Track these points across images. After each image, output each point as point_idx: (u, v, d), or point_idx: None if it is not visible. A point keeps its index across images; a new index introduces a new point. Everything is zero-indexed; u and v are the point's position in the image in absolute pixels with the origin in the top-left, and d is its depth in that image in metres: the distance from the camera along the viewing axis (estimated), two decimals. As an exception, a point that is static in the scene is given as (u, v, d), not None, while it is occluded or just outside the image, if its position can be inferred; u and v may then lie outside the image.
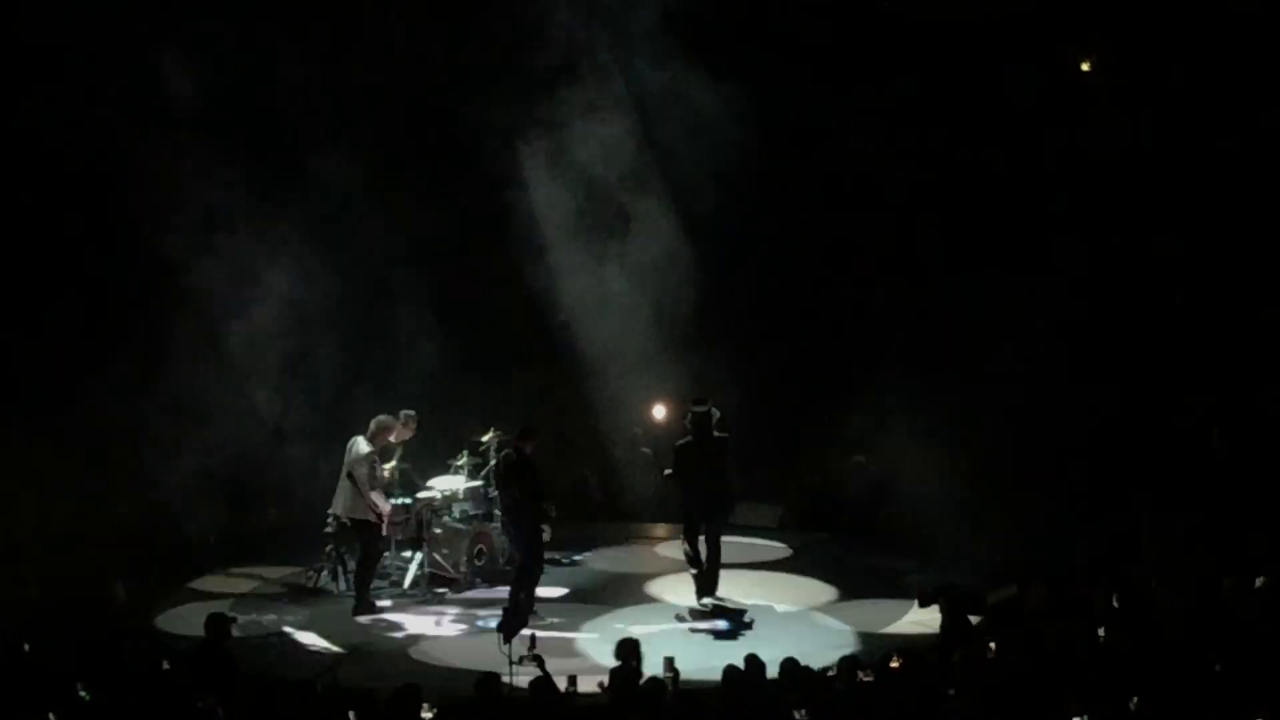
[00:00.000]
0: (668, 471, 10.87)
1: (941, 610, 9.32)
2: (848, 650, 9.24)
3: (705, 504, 10.74)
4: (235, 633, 8.94)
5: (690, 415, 10.71)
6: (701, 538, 10.70)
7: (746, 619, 10.68)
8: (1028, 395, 12.60)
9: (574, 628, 10.39)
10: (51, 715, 7.43)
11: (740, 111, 12.48)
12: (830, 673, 8.28)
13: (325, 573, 11.19)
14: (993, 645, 8.49)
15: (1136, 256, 12.96)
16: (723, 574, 10.84)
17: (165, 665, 8.38)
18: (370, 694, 7.86)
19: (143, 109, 12.02)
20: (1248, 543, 10.16)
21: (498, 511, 11.08)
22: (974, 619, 9.39)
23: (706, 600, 10.65)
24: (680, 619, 10.68)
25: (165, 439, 11.67)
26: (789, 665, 8.06)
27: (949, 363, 13.00)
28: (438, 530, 11.20)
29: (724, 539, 10.87)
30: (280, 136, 12.56)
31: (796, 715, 7.51)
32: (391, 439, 10.83)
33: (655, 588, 11.57)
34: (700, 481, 10.68)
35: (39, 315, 12.02)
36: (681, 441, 10.75)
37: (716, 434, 10.66)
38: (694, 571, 10.72)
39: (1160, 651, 8.16)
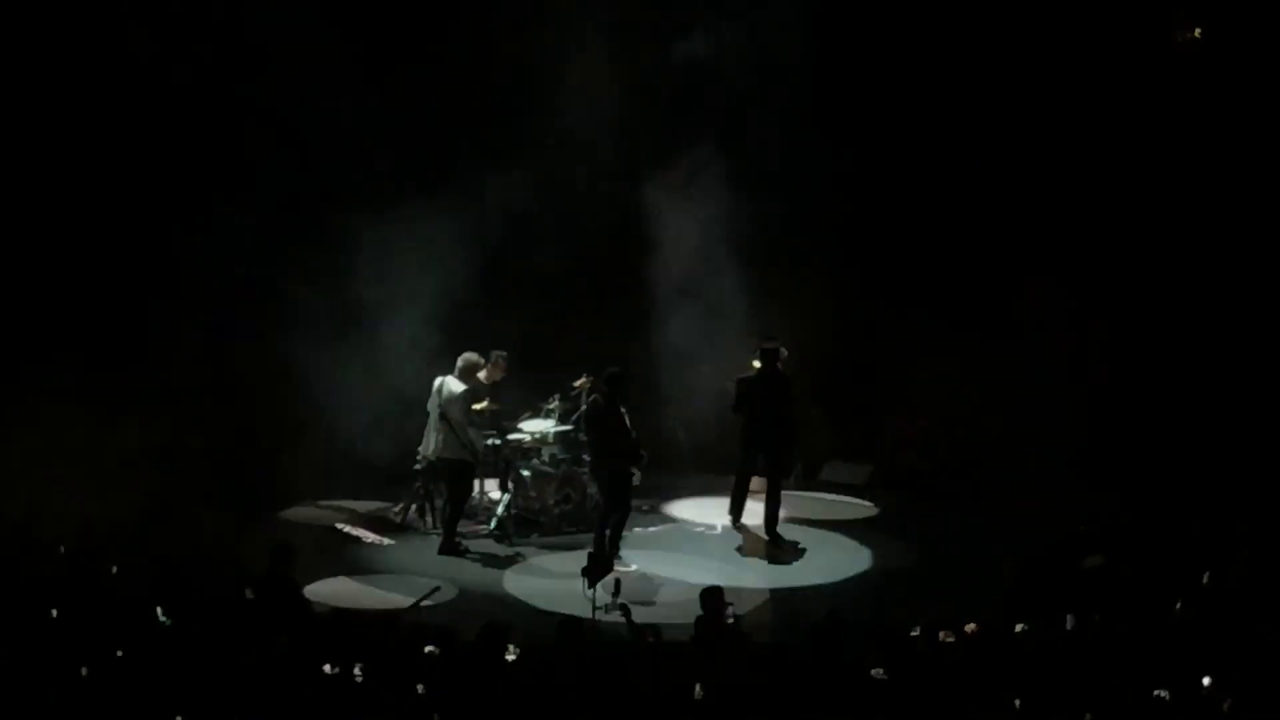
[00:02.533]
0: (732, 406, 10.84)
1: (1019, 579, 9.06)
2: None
3: (763, 437, 10.66)
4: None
5: (759, 350, 10.65)
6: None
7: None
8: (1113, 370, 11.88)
9: (656, 573, 10.00)
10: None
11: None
12: (913, 633, 7.84)
13: (414, 508, 10.82)
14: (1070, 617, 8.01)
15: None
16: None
17: (247, 594, 7.86)
18: (452, 631, 7.49)
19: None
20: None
21: (586, 456, 10.61)
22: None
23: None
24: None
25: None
26: (872, 623, 7.84)
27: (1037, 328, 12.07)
28: (526, 473, 10.81)
29: (810, 495, 10.34)
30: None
31: (875, 673, 7.10)
32: (481, 377, 10.35)
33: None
34: (760, 415, 10.58)
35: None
36: (744, 375, 10.70)
37: (780, 368, 10.58)
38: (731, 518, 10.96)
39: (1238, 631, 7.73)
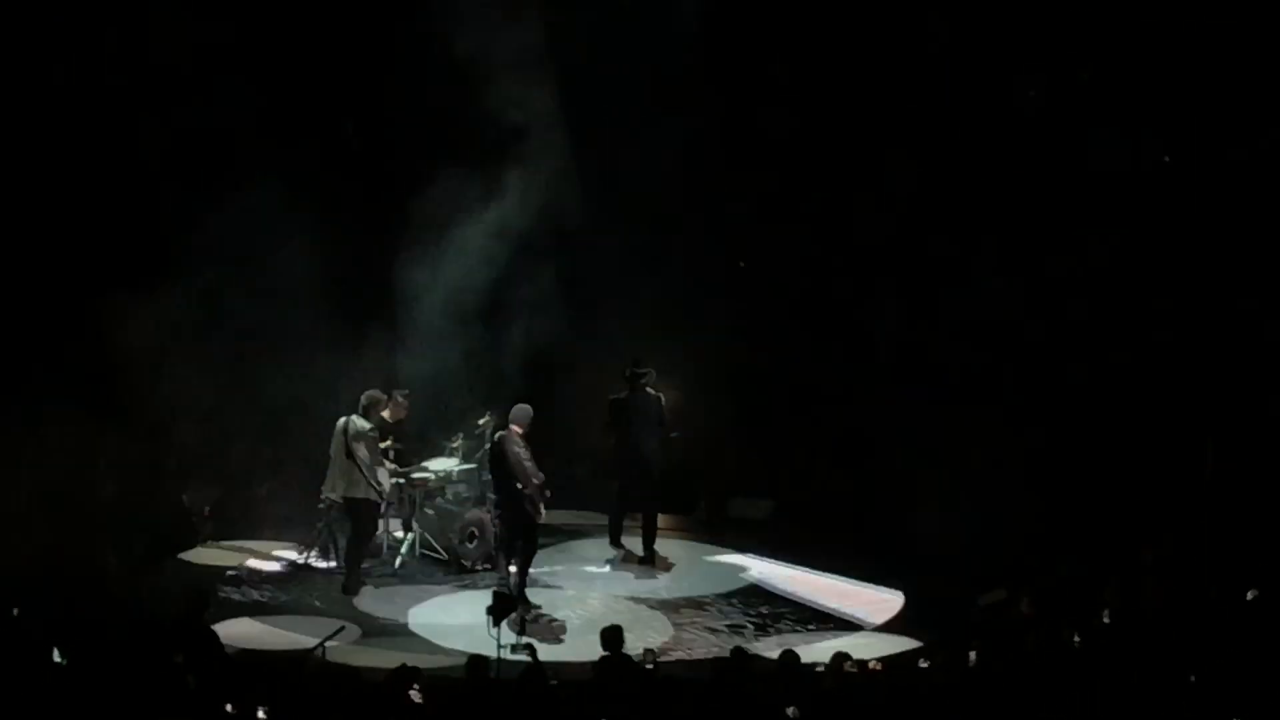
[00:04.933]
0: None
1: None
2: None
3: (632, 459, 10.76)
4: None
5: (629, 373, 10.71)
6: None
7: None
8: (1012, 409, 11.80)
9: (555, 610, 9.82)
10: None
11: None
12: (819, 669, 7.77)
13: (316, 550, 10.46)
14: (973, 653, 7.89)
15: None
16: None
17: (147, 634, 7.52)
18: (358, 674, 7.40)
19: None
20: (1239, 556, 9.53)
21: (491, 495, 10.32)
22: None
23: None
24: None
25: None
26: (786, 658, 7.70)
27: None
28: (430, 511, 10.55)
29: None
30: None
31: (789, 711, 6.92)
32: (385, 415, 10.06)
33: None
34: (632, 433, 10.78)
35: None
36: (615, 396, 10.80)
37: (651, 391, 10.73)
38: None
39: (1139, 661, 7.69)
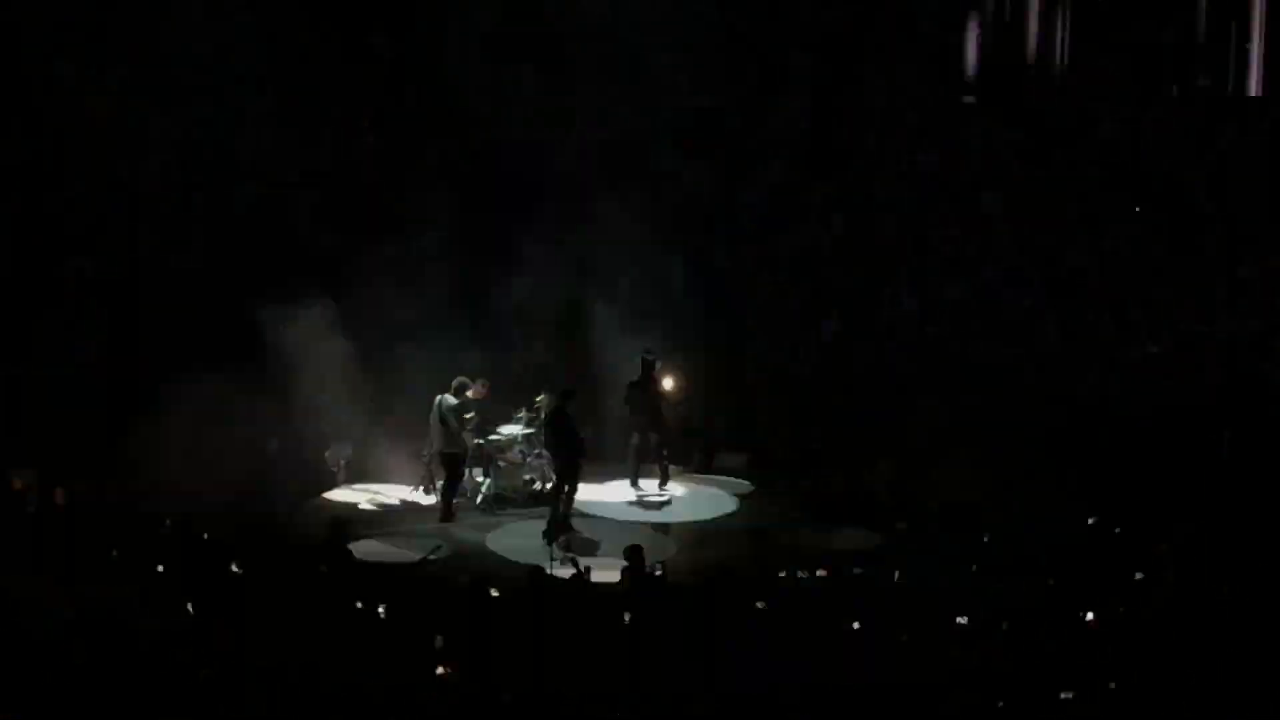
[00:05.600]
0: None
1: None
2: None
3: (640, 426, 13.77)
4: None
5: (641, 360, 13.62)
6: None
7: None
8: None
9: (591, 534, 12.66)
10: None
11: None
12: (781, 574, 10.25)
13: (421, 489, 13.52)
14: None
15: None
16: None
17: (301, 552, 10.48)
18: (449, 580, 9.99)
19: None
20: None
21: (544, 450, 13.32)
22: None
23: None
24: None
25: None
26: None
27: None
28: (502, 464, 13.62)
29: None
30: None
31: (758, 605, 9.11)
32: (470, 395, 13.04)
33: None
34: (637, 409, 13.69)
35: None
36: (633, 380, 13.64)
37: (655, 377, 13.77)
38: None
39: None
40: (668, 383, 13.76)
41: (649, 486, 13.81)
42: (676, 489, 13.91)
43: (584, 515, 12.96)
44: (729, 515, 13.37)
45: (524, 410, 13.64)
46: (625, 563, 9.89)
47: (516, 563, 11.19)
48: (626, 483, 13.89)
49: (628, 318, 14.39)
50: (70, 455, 11.94)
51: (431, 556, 10.75)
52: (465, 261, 14.73)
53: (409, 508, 13.35)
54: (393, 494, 13.64)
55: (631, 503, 13.65)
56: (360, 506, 13.32)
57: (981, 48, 15.32)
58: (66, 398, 13.26)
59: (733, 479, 14.37)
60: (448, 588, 9.58)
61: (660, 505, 13.59)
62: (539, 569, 9.66)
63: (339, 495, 13.62)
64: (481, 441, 13.31)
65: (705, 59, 14.76)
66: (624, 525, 12.80)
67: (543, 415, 13.17)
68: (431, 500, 13.25)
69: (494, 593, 9.23)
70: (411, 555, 11.34)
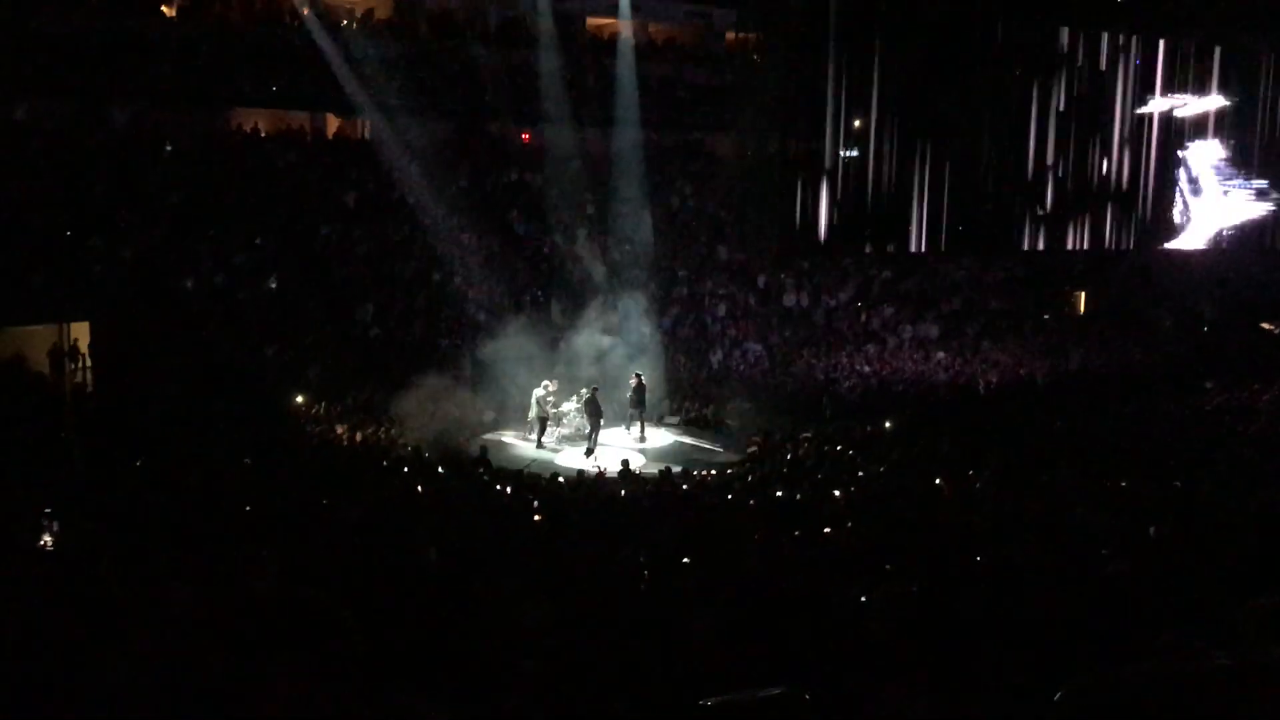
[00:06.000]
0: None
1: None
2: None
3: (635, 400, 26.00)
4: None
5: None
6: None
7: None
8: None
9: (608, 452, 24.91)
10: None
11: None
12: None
13: (532, 432, 26.02)
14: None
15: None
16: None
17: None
18: (537, 477, 21.97)
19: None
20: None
21: (588, 414, 25.90)
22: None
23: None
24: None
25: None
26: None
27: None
28: (565, 421, 25.87)
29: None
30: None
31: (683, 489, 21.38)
32: (551, 386, 25.24)
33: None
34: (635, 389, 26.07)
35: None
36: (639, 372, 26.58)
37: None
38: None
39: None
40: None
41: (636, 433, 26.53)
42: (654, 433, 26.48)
43: (602, 445, 25.61)
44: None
45: (576, 396, 26.49)
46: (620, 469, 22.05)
47: (568, 469, 23.24)
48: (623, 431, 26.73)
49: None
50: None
51: (528, 469, 22.91)
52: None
53: (521, 444, 26.05)
54: (512, 436, 26.48)
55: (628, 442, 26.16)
56: (503, 439, 26.05)
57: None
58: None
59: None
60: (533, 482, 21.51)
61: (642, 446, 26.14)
62: (582, 471, 21.98)
63: (493, 435, 26.43)
64: (554, 410, 25.91)
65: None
66: (621, 451, 24.96)
67: (588, 395, 25.95)
68: (532, 439, 26.12)
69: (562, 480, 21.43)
70: (518, 462, 23.58)
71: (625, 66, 36.72)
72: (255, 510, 13.55)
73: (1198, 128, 38.21)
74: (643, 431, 26.52)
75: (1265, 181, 39.49)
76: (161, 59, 32.18)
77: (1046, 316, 37.45)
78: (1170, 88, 37.49)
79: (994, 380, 31.09)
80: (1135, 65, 36.36)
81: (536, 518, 15.55)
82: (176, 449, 18.11)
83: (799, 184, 31.35)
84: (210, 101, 33.10)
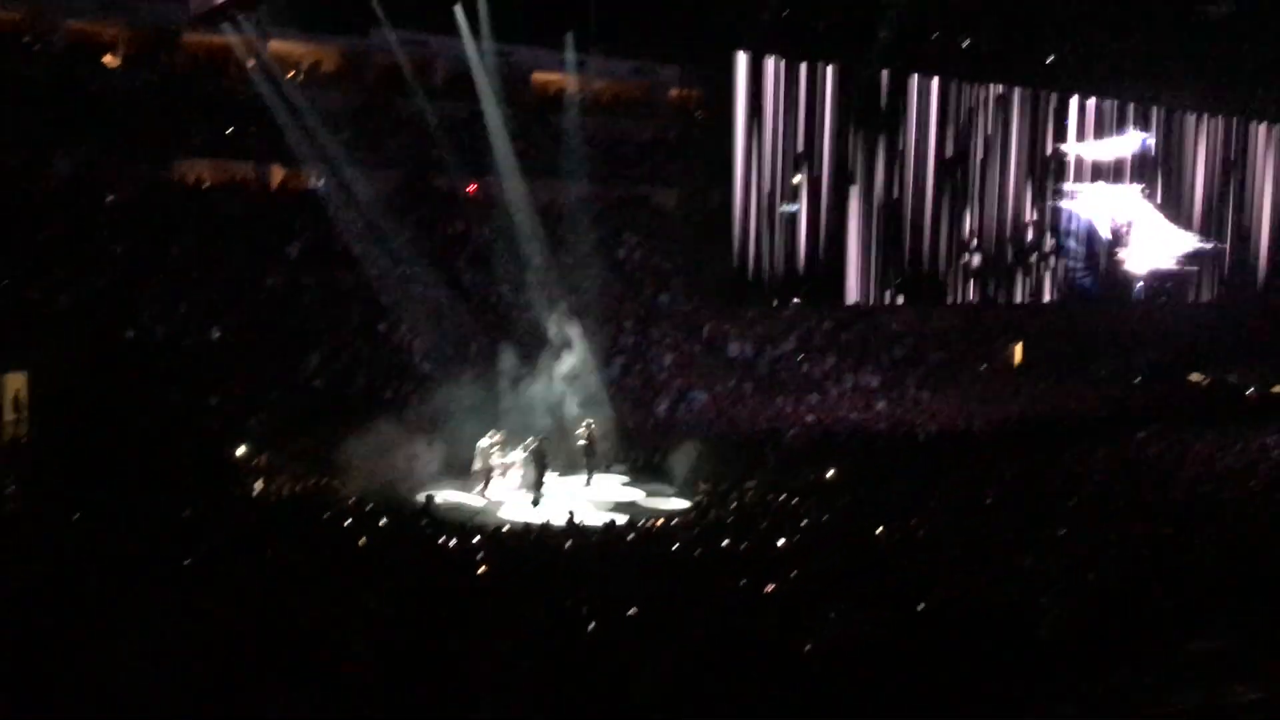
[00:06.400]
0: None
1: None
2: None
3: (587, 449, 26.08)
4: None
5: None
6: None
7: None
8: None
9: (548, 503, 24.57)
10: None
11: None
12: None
13: (478, 484, 25.82)
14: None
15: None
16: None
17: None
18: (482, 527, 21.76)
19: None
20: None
21: (535, 463, 25.65)
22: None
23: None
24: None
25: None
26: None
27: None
28: (511, 472, 25.67)
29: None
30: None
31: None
32: (498, 439, 25.07)
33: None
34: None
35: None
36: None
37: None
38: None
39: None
40: None
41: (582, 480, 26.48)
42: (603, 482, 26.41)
43: (545, 497, 25.52)
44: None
45: (522, 446, 26.35)
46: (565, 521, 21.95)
47: (516, 521, 23.16)
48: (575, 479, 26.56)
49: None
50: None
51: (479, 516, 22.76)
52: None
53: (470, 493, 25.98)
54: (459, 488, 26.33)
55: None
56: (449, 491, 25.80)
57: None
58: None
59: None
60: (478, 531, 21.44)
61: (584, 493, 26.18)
62: (527, 523, 21.81)
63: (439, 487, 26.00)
64: (501, 460, 25.70)
65: None
66: (567, 502, 24.92)
67: (534, 445, 25.86)
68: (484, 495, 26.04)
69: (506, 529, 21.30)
70: (470, 506, 23.43)
71: (571, 121, 37.04)
72: (195, 563, 13.42)
73: (1120, 177, 39.19)
74: (590, 481, 26.56)
75: (1194, 236, 40.59)
76: (105, 109, 31.96)
77: (984, 367, 38.03)
78: (1095, 139, 38.49)
79: (934, 429, 31.43)
80: (1053, 120, 37.22)
81: (481, 569, 15.45)
82: (115, 501, 17.84)
83: (740, 236, 31.72)
84: (154, 152, 32.86)
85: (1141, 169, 38.81)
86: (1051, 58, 31.03)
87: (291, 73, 34.82)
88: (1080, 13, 27.12)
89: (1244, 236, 40.68)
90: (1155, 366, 39.29)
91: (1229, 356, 40.10)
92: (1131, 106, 37.71)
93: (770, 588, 12.69)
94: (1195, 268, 40.48)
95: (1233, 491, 23.12)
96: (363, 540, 17.64)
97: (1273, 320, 40.83)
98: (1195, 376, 39.23)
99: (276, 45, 33.51)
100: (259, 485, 22.61)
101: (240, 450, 24.58)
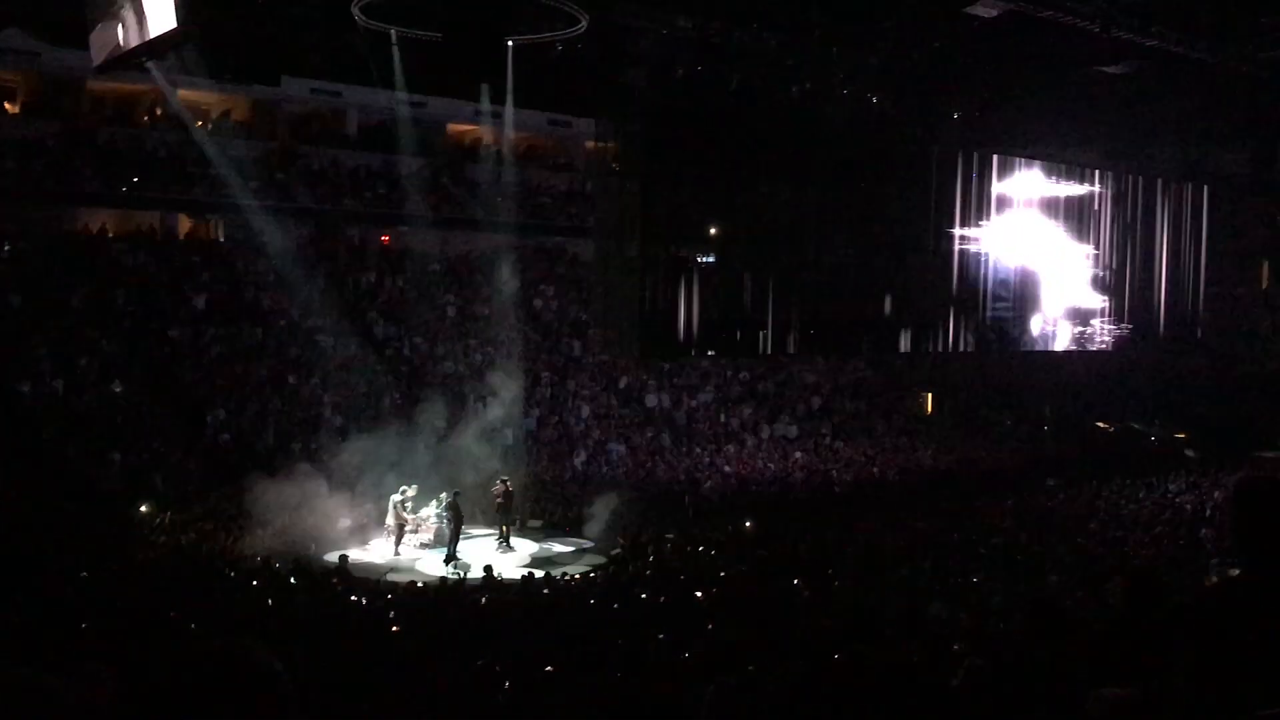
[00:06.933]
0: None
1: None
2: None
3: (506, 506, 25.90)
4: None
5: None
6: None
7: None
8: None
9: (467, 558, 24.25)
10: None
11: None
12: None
13: (390, 539, 25.39)
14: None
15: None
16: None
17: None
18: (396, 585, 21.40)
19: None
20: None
21: (450, 520, 25.14)
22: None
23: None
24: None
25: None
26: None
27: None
28: (424, 527, 25.29)
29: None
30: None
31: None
32: (409, 493, 24.70)
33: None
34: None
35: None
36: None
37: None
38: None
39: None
40: None
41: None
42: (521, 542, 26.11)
43: (459, 556, 25.10)
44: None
45: (438, 500, 25.93)
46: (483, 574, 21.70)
47: (429, 575, 22.91)
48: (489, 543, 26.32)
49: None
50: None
51: (391, 573, 22.39)
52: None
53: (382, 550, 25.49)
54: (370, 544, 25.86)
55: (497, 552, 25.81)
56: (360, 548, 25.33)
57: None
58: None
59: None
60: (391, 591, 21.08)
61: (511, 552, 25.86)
62: (444, 578, 21.54)
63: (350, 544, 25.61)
64: (412, 515, 25.30)
65: None
66: (483, 559, 24.60)
67: (449, 500, 25.43)
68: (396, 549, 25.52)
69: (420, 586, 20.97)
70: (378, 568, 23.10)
71: (487, 172, 37.07)
72: (93, 624, 12.92)
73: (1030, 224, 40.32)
74: (508, 536, 26.14)
75: (1098, 288, 41.82)
76: (3, 156, 31.23)
77: (895, 417, 38.63)
78: (1010, 195, 39.62)
79: (849, 479, 31.79)
80: (975, 175, 38.21)
81: (394, 629, 15.16)
82: (10, 561, 17.27)
83: (655, 288, 31.93)
84: (55, 200, 32.14)
85: (1052, 215, 39.98)
86: (956, 115, 31.90)
87: (200, 122, 34.41)
88: (982, 78, 28.03)
89: (1145, 287, 42.03)
90: (1062, 415, 40.26)
91: (1133, 404, 41.30)
92: (1038, 164, 38.92)
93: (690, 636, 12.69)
94: (1101, 319, 41.75)
95: (1140, 538, 23.72)
96: (270, 600, 17.29)
97: (1173, 369, 42.14)
98: (1102, 424, 40.25)
99: (185, 94, 33.11)
100: (162, 543, 22.04)
101: (143, 508, 23.96)
